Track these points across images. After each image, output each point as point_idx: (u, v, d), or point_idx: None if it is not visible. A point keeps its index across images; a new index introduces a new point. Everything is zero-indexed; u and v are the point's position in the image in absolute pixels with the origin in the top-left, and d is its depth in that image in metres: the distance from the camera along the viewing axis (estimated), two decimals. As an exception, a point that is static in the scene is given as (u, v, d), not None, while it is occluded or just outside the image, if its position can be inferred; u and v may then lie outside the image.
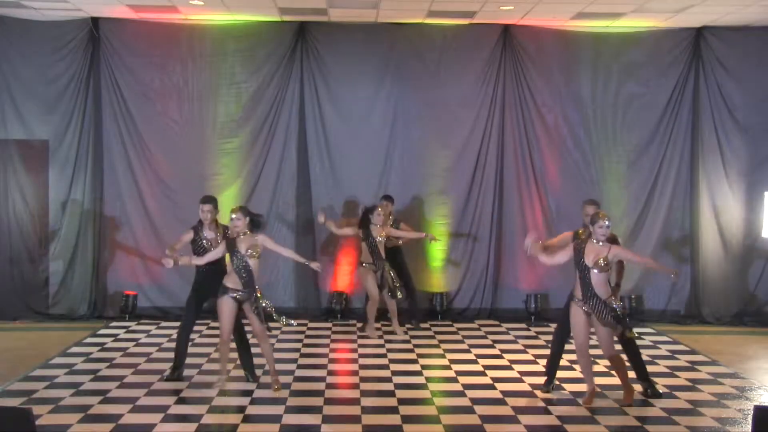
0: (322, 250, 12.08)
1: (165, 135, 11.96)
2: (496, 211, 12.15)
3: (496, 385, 8.60)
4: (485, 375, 9.01)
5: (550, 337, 10.77)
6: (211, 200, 8.83)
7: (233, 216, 8.13)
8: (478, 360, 9.69)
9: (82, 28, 11.72)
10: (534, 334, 11.17)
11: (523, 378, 8.83)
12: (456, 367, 9.34)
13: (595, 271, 7.66)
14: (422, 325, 11.48)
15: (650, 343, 10.66)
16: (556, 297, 11.88)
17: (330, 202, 12.05)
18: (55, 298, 11.82)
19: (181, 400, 7.93)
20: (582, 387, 8.36)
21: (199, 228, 8.72)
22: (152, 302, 11.96)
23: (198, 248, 8.66)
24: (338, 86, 12.09)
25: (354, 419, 7.37)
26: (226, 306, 8.13)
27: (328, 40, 11.96)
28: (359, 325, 11.24)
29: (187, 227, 8.91)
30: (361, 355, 9.85)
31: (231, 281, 8.14)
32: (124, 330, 11.15)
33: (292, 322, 8.71)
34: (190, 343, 10.31)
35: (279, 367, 9.17)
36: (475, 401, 7.97)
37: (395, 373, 9.02)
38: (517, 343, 10.65)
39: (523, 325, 11.67)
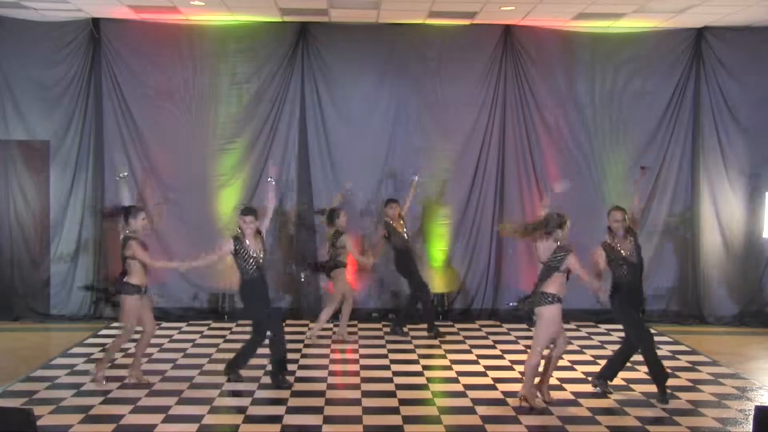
0: (322, 250, 12.05)
1: (166, 135, 11.97)
2: (497, 211, 12.15)
3: (498, 385, 8.60)
4: (486, 375, 9.01)
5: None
6: (252, 211, 8.63)
7: (247, 218, 8.42)
8: (480, 360, 9.69)
9: (83, 29, 11.73)
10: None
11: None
12: (457, 367, 9.34)
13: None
14: (423, 326, 11.47)
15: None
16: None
17: (331, 202, 12.05)
18: (56, 298, 11.83)
19: (182, 401, 7.93)
20: (584, 388, 8.39)
21: (241, 238, 8.47)
22: (153, 303, 11.92)
23: (244, 259, 8.41)
24: (339, 86, 12.10)
25: (355, 420, 7.37)
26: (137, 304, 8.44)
27: (329, 40, 11.97)
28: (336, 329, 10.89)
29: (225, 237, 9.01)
30: (363, 356, 9.85)
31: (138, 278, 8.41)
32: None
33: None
34: (191, 344, 10.37)
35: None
36: (477, 401, 7.97)
37: (396, 373, 9.02)
38: (518, 343, 10.65)
39: (524, 326, 11.64)
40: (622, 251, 8.12)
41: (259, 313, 8.59)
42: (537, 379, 7.96)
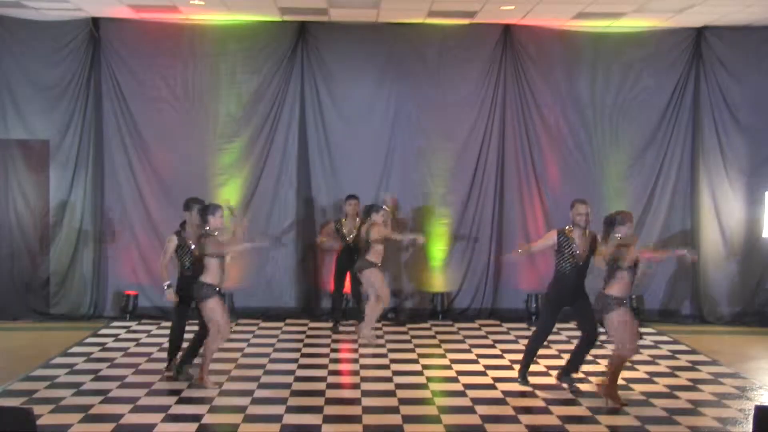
0: (321, 250, 12.07)
1: (165, 135, 11.97)
2: (497, 210, 12.15)
3: (497, 384, 8.59)
4: (486, 375, 9.00)
5: (551, 337, 10.75)
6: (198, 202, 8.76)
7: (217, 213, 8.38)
8: (479, 360, 9.69)
9: (83, 28, 11.73)
10: (535, 333, 11.16)
11: (524, 378, 8.83)
12: (457, 366, 9.34)
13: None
14: (423, 325, 11.51)
15: (651, 343, 10.66)
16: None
17: (330, 202, 12.07)
18: (56, 297, 11.83)
19: (182, 400, 7.93)
20: (584, 387, 8.39)
21: (181, 233, 8.71)
22: (153, 302, 11.95)
23: (184, 254, 8.67)
24: (339, 86, 12.10)
25: (355, 419, 7.37)
26: (219, 303, 8.30)
27: (328, 40, 11.97)
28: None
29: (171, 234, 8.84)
30: (362, 355, 9.84)
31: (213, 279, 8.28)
32: (125, 330, 11.15)
33: None
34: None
35: (280, 367, 9.21)
36: (476, 401, 7.97)
37: (396, 372, 9.01)
38: (518, 343, 10.64)
39: (524, 325, 11.66)
40: (575, 247, 8.19)
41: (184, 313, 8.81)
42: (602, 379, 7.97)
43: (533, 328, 11.30)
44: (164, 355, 9.64)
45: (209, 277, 8.17)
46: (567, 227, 8.36)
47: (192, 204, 8.68)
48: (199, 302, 8.22)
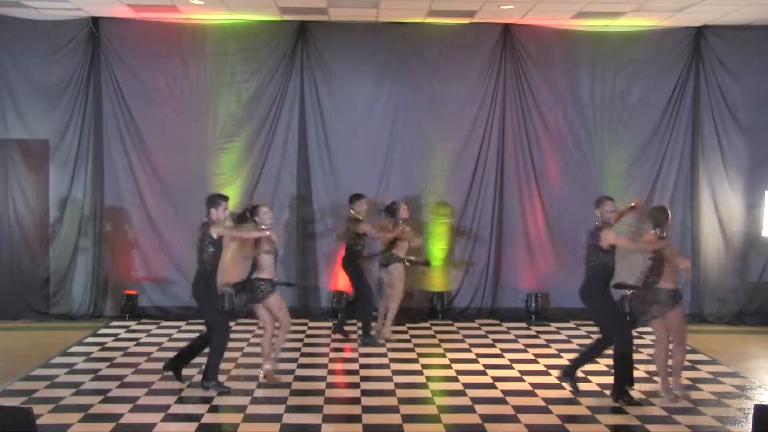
0: (321, 250, 12.07)
1: (165, 134, 11.97)
2: (497, 210, 12.15)
3: (497, 384, 8.59)
4: (486, 374, 9.00)
5: (550, 337, 10.85)
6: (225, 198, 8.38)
7: (265, 209, 8.37)
8: (479, 359, 9.69)
9: (83, 28, 11.73)
10: (534, 333, 11.18)
11: (524, 377, 8.83)
12: (456, 366, 9.34)
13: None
14: (423, 325, 11.51)
15: (651, 343, 10.61)
16: (556, 297, 11.92)
17: (330, 202, 12.06)
18: (56, 297, 11.83)
19: (182, 400, 7.93)
20: (584, 386, 8.38)
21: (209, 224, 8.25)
22: (153, 302, 11.96)
23: (208, 245, 8.10)
24: (338, 85, 12.09)
25: (355, 419, 7.37)
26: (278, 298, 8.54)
27: (328, 39, 11.97)
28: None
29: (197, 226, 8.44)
30: (362, 354, 9.84)
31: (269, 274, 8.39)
32: (125, 329, 11.15)
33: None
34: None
35: (280, 366, 9.17)
36: (476, 400, 7.97)
37: (396, 372, 9.01)
38: (518, 342, 10.65)
39: (524, 325, 11.66)
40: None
41: (214, 313, 8.33)
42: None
43: (533, 328, 11.40)
44: (164, 354, 9.63)
45: (265, 272, 8.33)
46: (600, 224, 8.16)
47: (218, 200, 8.19)
48: (258, 301, 8.39)
